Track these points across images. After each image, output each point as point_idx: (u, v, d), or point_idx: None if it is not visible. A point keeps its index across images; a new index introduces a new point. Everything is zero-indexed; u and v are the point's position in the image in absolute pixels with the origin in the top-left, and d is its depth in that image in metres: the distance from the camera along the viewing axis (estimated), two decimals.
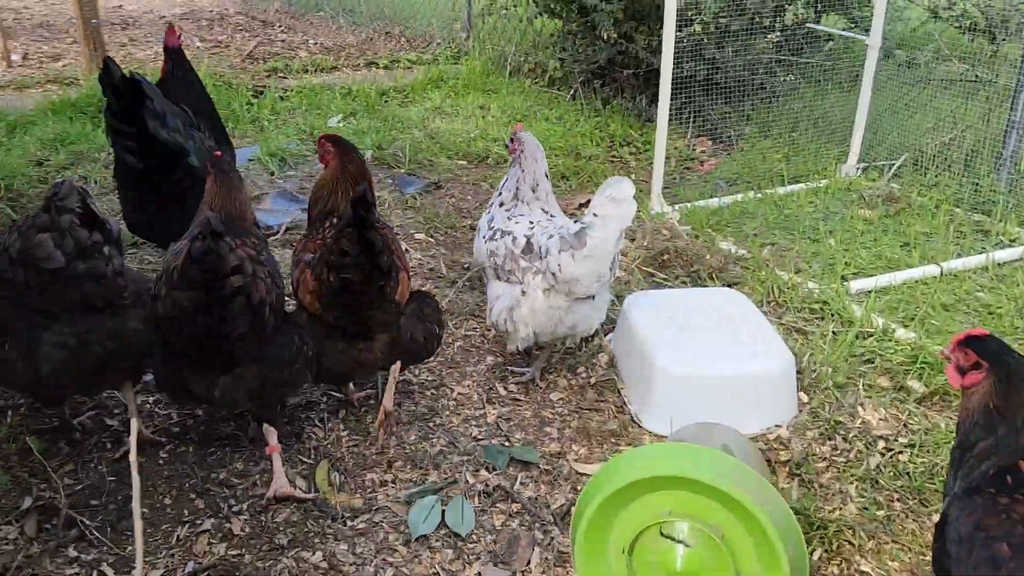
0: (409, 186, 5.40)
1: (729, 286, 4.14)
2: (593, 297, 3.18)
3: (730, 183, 5.55)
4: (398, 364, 2.98)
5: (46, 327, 2.44)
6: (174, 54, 4.33)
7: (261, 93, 7.22)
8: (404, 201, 5.18)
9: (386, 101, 7.37)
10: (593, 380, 3.45)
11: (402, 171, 5.70)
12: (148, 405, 3.14)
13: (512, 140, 3.43)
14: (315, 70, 8.23)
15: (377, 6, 10.92)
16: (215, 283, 2.31)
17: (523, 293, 3.12)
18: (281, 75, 7.91)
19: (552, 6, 7.09)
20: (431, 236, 4.77)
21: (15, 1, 12.42)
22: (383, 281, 2.71)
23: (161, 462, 2.88)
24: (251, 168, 5.66)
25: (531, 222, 3.23)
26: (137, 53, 9.23)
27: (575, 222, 3.09)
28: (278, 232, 4.64)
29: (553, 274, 3.04)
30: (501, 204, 3.38)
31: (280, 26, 11.45)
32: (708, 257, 4.38)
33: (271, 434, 2.71)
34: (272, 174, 5.55)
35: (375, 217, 2.70)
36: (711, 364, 3.17)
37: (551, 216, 3.31)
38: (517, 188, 3.34)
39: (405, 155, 5.86)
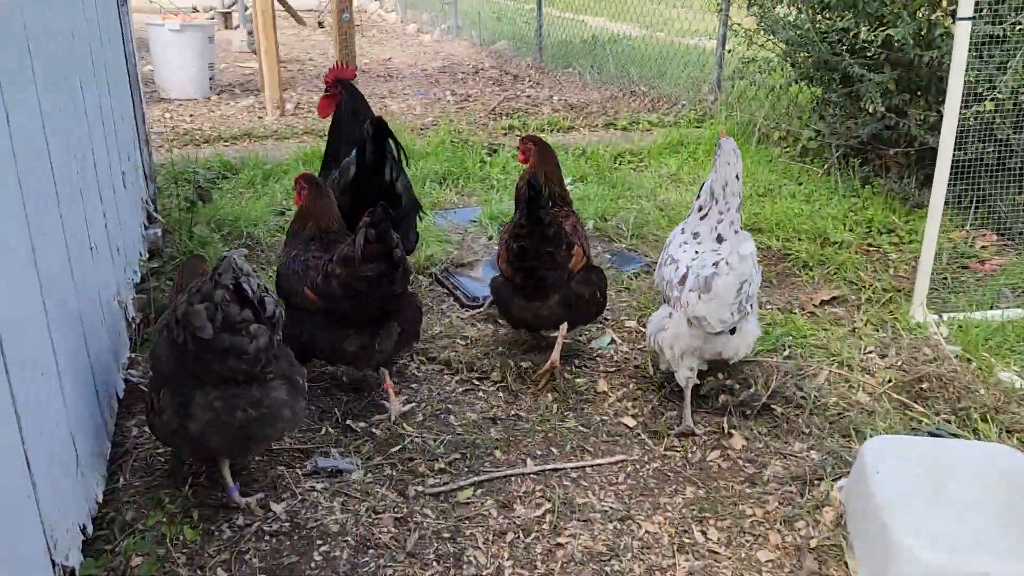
0: (628, 264, 5.00)
1: (1009, 433, 3.29)
2: (732, 331, 3.28)
3: (1018, 292, 4.56)
4: (565, 326, 3.69)
5: (198, 387, 2.63)
6: (348, 87, 4.37)
7: (495, 151, 7.21)
8: (620, 281, 4.79)
9: (619, 165, 7.07)
10: (814, 542, 2.81)
11: (623, 245, 5.33)
12: (315, 494, 2.99)
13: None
14: (552, 129, 8.14)
15: (625, 64, 10.74)
16: (388, 256, 3.10)
17: (669, 316, 3.35)
18: (517, 133, 7.89)
19: (811, 73, 6.42)
20: (643, 326, 4.33)
21: (304, 53, 13.81)
22: (551, 248, 3.51)
23: (314, 565, 2.68)
24: (470, 230, 5.57)
25: (696, 252, 3.36)
26: (392, 105, 9.73)
27: (712, 263, 3.18)
28: (482, 306, 4.43)
29: (684, 308, 3.23)
30: (697, 210, 3.49)
31: (529, 81, 11.64)
32: (982, 391, 3.53)
33: (387, 375, 3.49)
34: (490, 238, 5.42)
35: (544, 199, 3.46)
36: (979, 558, 2.43)
37: (718, 245, 3.35)
38: (711, 191, 3.43)
39: (628, 228, 5.49)
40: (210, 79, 10.21)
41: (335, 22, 7.11)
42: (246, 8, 14.62)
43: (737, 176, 3.38)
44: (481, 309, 4.37)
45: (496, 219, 5.56)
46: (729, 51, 8.37)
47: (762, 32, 6.74)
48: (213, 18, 17.49)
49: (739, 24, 7.18)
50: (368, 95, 8.60)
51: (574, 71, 11.42)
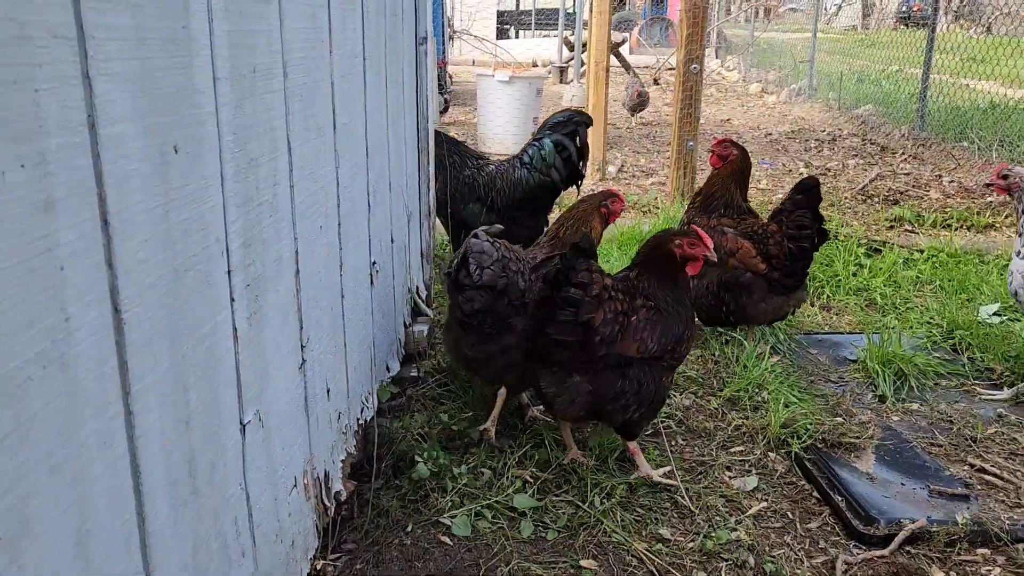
0: None
1: None
2: None
3: None
4: None
5: None
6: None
7: (878, 251, 5.28)
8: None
9: None
10: None
11: None
12: None
13: (1003, 177, 3.36)
14: (960, 224, 5.97)
15: None
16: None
17: None
18: (908, 228, 5.85)
19: None
20: None
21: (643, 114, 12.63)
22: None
23: None
24: (846, 376, 3.75)
25: None
26: None
27: None
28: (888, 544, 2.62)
29: None
30: None
31: (902, 154, 9.36)
32: None
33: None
34: (880, 398, 3.55)
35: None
36: None
37: None
38: None
39: None
40: (532, 134, 9.44)
41: (678, 74, 5.73)
42: (582, 64, 14.01)
43: None
44: (886, 552, 2.56)
45: (890, 364, 3.68)
46: None
47: None
48: (550, 73, 17.36)
49: None
50: (703, 158, 7.14)
51: (971, 145, 8.91)
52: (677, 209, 5.89)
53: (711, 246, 2.68)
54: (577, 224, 3.12)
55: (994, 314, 4.29)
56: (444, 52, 15.87)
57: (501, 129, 9.22)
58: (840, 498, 2.76)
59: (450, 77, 16.29)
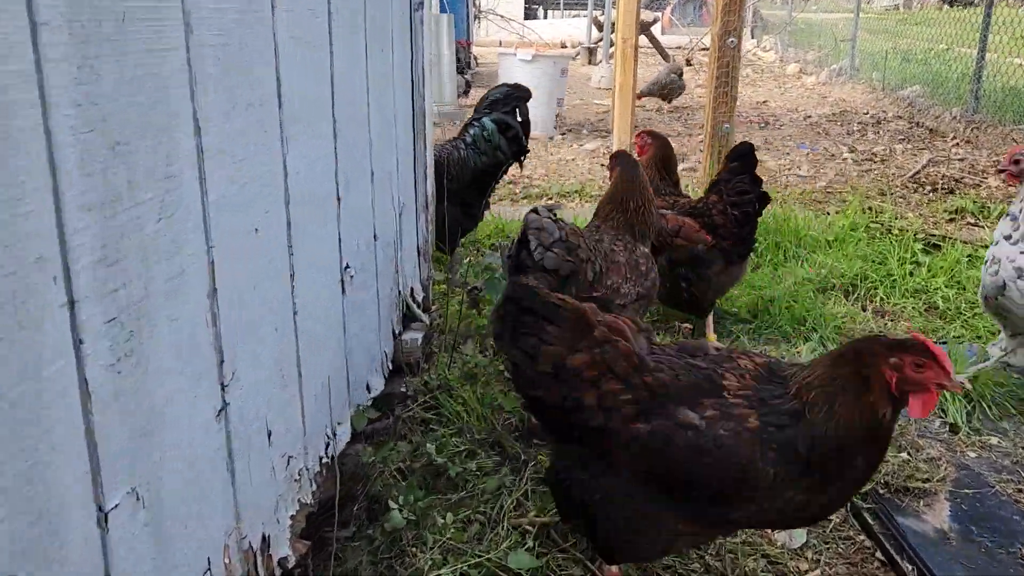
0: None
1: None
2: None
3: None
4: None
5: None
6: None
7: (937, 247, 4.70)
8: None
9: None
10: None
11: None
12: None
13: (1015, 162, 3.04)
14: None
15: None
16: None
17: None
18: (970, 221, 5.25)
19: None
20: None
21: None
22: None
23: None
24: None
25: None
26: (768, 160, 7.51)
27: None
28: None
29: None
30: None
31: (954, 138, 8.68)
32: None
33: None
34: (951, 428, 3.00)
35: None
36: None
37: None
38: None
39: None
40: (556, 116, 8.88)
41: (713, 50, 5.16)
42: (611, 44, 13.37)
43: None
44: None
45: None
46: None
47: None
48: (578, 54, 16.72)
49: None
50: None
51: None
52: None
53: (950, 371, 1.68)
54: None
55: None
56: (469, 32, 15.31)
57: None
58: (910, 566, 2.23)
59: (474, 58, 15.71)
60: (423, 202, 3.54)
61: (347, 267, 2.46)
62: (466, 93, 11.36)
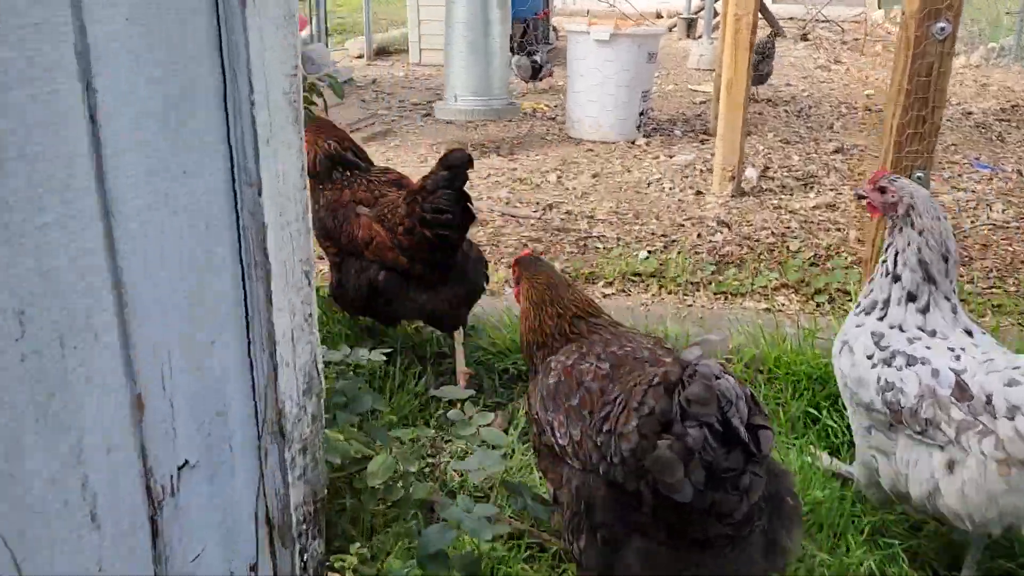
0: None
1: None
2: None
3: None
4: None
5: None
6: None
7: None
8: None
9: None
10: None
11: None
12: None
13: (880, 190, 2.27)
14: None
15: None
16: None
17: (951, 463, 2.00)
18: None
19: None
20: None
21: (781, 79, 9.71)
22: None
23: None
24: None
25: (952, 349, 2.09)
26: (941, 192, 5.33)
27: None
28: None
29: (1001, 446, 1.93)
30: (899, 300, 2.18)
31: None
32: None
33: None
34: None
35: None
36: None
37: (975, 341, 2.12)
38: (921, 263, 2.16)
39: None
40: (640, 114, 6.86)
41: (903, 40, 3.10)
42: (715, 14, 11.13)
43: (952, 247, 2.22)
44: None
45: None
46: None
47: None
48: (674, 25, 14.44)
49: None
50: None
51: None
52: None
53: None
54: None
55: None
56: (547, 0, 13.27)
57: (596, 109, 6.71)
58: None
59: (554, 30, 13.64)
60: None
61: None
62: (536, 76, 9.41)
